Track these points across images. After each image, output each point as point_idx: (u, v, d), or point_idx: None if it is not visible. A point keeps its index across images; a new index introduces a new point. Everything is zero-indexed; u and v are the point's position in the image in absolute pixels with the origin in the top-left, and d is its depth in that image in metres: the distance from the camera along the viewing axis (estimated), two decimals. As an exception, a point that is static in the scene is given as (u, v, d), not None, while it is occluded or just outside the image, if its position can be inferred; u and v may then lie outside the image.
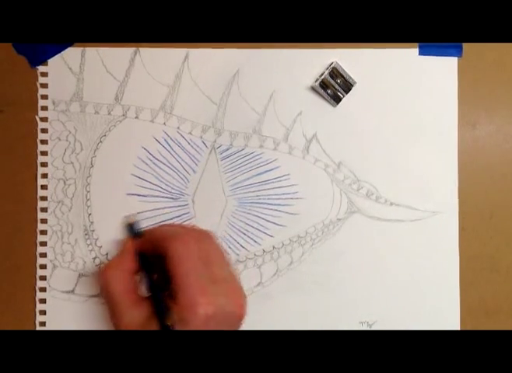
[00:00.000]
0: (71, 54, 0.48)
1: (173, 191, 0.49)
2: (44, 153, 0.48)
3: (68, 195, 0.48)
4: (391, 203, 0.49)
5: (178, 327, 0.37)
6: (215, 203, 0.48)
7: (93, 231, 0.48)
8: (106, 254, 0.48)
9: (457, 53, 0.49)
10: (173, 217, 0.48)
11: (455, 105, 0.49)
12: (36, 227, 0.48)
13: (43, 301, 0.48)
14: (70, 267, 0.48)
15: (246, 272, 0.48)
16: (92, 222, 0.48)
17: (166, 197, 0.48)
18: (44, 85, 0.48)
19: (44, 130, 0.48)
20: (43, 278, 0.48)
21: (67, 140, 0.48)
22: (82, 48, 0.48)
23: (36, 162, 0.48)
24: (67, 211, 0.48)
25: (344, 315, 0.49)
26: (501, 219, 0.49)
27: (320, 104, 0.49)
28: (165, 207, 0.48)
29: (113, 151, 0.48)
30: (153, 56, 0.48)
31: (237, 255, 0.48)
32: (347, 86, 0.48)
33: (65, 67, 0.48)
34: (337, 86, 0.48)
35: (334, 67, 0.48)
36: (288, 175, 0.49)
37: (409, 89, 0.49)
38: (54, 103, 0.48)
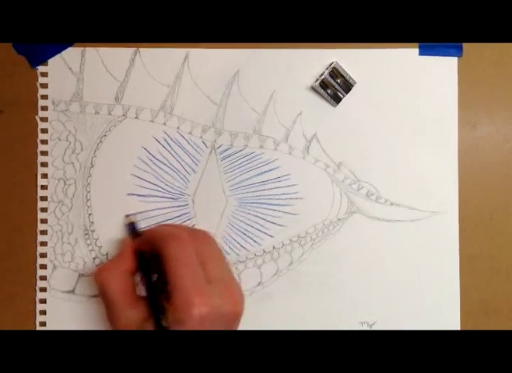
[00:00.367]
0: (71, 54, 0.48)
1: (173, 191, 0.49)
2: (44, 153, 0.48)
3: (68, 195, 0.48)
4: (391, 204, 0.49)
5: (173, 328, 0.37)
6: (215, 203, 0.48)
7: (93, 231, 0.48)
8: (106, 254, 0.48)
9: (457, 53, 0.49)
10: (173, 217, 0.48)
11: (455, 105, 0.49)
12: (37, 227, 0.48)
13: (43, 301, 0.48)
14: (70, 267, 0.48)
15: (246, 272, 0.48)
16: (92, 222, 0.48)
17: (166, 197, 0.48)
18: (44, 85, 0.48)
19: (44, 130, 0.48)
20: (43, 278, 0.48)
21: (67, 140, 0.48)
22: (82, 48, 0.48)
23: (36, 162, 0.48)
24: (67, 211, 0.48)
25: (344, 315, 0.49)
26: (501, 220, 0.49)
27: (320, 104, 0.49)
28: (165, 207, 0.48)
29: (114, 151, 0.48)
30: (153, 56, 0.48)
31: (237, 255, 0.48)
32: (347, 86, 0.48)
33: (65, 67, 0.48)
34: (337, 86, 0.48)
35: (334, 67, 0.48)
36: (288, 175, 0.49)
37: (409, 89, 0.49)
38: (54, 103, 0.48)
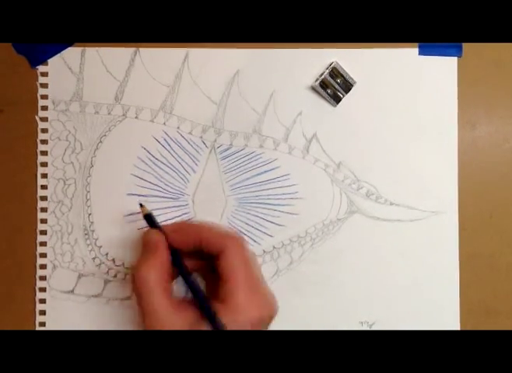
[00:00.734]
0: (71, 53, 0.48)
1: (173, 191, 0.49)
2: (44, 153, 0.48)
3: (68, 195, 0.48)
4: (391, 203, 0.49)
5: (229, 328, 0.38)
6: (215, 203, 0.48)
7: (93, 231, 0.48)
8: (106, 254, 0.48)
9: (457, 53, 0.49)
10: (173, 217, 0.48)
11: (455, 105, 0.49)
12: (36, 227, 0.48)
13: (43, 301, 0.48)
14: (70, 267, 0.48)
15: (246, 272, 0.48)
16: (92, 222, 0.48)
17: (166, 197, 0.48)
18: (44, 85, 0.48)
19: (44, 130, 0.48)
20: (43, 278, 0.48)
21: (67, 140, 0.48)
22: (82, 48, 0.48)
23: (36, 162, 0.48)
24: (67, 211, 0.48)
25: (344, 315, 0.49)
26: (501, 219, 0.49)
27: (320, 104, 0.49)
28: (165, 207, 0.48)
29: (113, 151, 0.48)
30: (153, 56, 0.48)
31: (237, 255, 0.48)
32: (347, 86, 0.48)
33: (65, 67, 0.48)
34: (337, 86, 0.48)
35: (334, 67, 0.48)
36: (288, 175, 0.49)
37: (409, 89, 0.49)
38: (54, 103, 0.48)
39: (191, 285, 0.40)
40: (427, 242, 0.49)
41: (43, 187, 0.48)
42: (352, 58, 0.48)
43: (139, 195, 0.48)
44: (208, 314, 0.38)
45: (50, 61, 0.48)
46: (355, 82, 0.48)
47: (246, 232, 0.49)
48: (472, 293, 0.49)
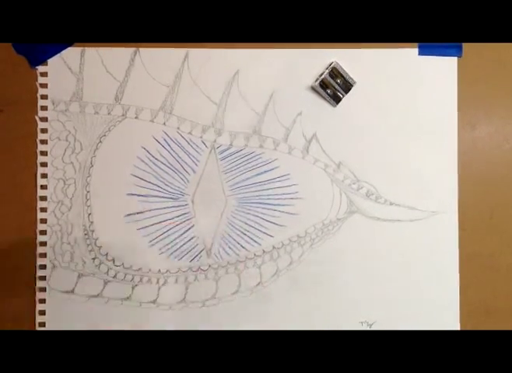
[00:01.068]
0: (71, 53, 0.48)
1: (173, 191, 0.49)
2: (44, 153, 0.48)
3: (67, 195, 0.48)
4: (391, 203, 0.49)
5: None
6: (215, 203, 0.48)
7: (93, 231, 0.48)
8: (106, 254, 0.48)
9: (457, 53, 0.49)
10: (173, 217, 0.48)
11: (455, 105, 0.49)
12: (36, 227, 0.48)
13: (42, 301, 0.48)
14: (70, 267, 0.48)
15: (246, 272, 0.48)
16: (91, 222, 0.48)
17: (166, 197, 0.48)
18: (44, 85, 0.48)
19: (44, 130, 0.48)
20: (42, 278, 0.48)
21: (67, 140, 0.48)
22: (81, 48, 0.48)
23: (36, 162, 0.48)
24: (67, 211, 0.48)
25: (344, 315, 0.49)
26: (501, 219, 0.49)
27: (320, 104, 0.49)
28: (165, 207, 0.48)
29: (113, 151, 0.48)
30: (153, 56, 0.48)
31: (237, 255, 0.48)
32: (347, 86, 0.48)
33: (65, 67, 0.48)
34: (337, 86, 0.48)
35: (334, 67, 0.48)
36: (288, 175, 0.49)
37: (409, 89, 0.49)
38: (53, 103, 0.48)
39: None
40: (427, 242, 0.49)
41: (43, 187, 0.48)
42: (352, 58, 0.48)
43: (139, 195, 0.48)
44: None
45: (50, 61, 0.48)
46: (355, 82, 0.48)
47: (246, 232, 0.49)
48: (472, 293, 0.49)
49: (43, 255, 0.48)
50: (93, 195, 0.48)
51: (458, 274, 0.49)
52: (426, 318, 0.49)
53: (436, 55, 0.49)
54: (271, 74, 0.48)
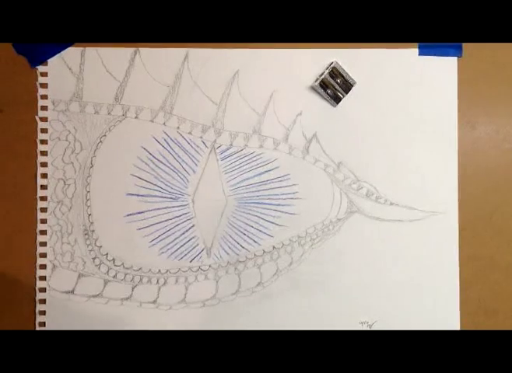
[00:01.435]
0: (71, 53, 0.48)
1: (173, 191, 0.49)
2: (44, 153, 0.48)
3: (67, 195, 0.48)
4: (391, 203, 0.49)
5: None
6: (215, 203, 0.48)
7: (93, 231, 0.48)
8: (106, 254, 0.48)
9: (457, 53, 0.49)
10: (173, 217, 0.48)
11: (455, 105, 0.49)
12: (36, 227, 0.48)
13: (43, 301, 0.48)
14: (70, 267, 0.48)
15: (246, 272, 0.48)
16: (92, 222, 0.48)
17: (166, 197, 0.48)
18: (44, 85, 0.48)
19: (44, 130, 0.48)
20: (42, 278, 0.48)
21: (67, 140, 0.48)
22: (81, 48, 0.48)
23: (36, 162, 0.48)
24: (67, 211, 0.48)
25: (344, 315, 0.49)
26: (501, 219, 0.49)
27: (320, 104, 0.49)
28: (165, 207, 0.48)
29: (113, 151, 0.48)
30: (153, 56, 0.48)
31: (237, 255, 0.48)
32: (347, 86, 0.48)
33: (65, 67, 0.48)
34: (337, 86, 0.48)
35: (334, 67, 0.48)
36: (288, 175, 0.49)
37: (409, 89, 0.49)
38: (53, 103, 0.48)
39: None
40: (427, 242, 0.49)
41: (43, 187, 0.48)
42: (352, 58, 0.48)
43: (139, 195, 0.48)
44: None
45: (50, 60, 0.48)
46: (355, 82, 0.48)
47: (246, 232, 0.49)
48: (472, 293, 0.49)
49: (43, 255, 0.48)
50: (93, 195, 0.48)
51: (458, 274, 0.49)
52: (426, 318, 0.49)
53: (436, 55, 0.49)
54: (271, 74, 0.48)
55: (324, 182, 0.49)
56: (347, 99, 0.48)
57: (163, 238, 0.48)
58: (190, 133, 0.49)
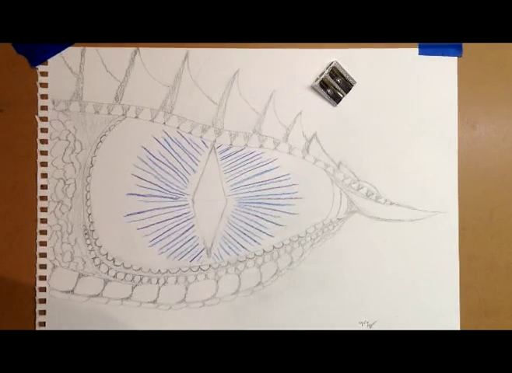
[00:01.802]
0: (71, 53, 0.48)
1: (173, 191, 0.49)
2: (44, 153, 0.48)
3: (68, 195, 0.48)
4: (391, 203, 0.49)
5: None
6: (215, 203, 0.48)
7: (93, 231, 0.48)
8: (106, 254, 0.48)
9: (457, 53, 0.49)
10: (173, 217, 0.48)
11: (455, 105, 0.49)
12: (36, 227, 0.48)
13: (43, 301, 0.48)
14: (70, 267, 0.48)
15: (246, 272, 0.48)
16: (92, 222, 0.48)
17: (166, 197, 0.48)
18: (44, 85, 0.48)
19: (44, 130, 0.48)
20: (42, 278, 0.48)
21: (67, 139, 0.48)
22: (82, 48, 0.48)
23: (36, 162, 0.48)
24: (67, 211, 0.48)
25: (344, 315, 0.49)
26: (501, 219, 0.49)
27: (320, 104, 0.49)
28: (165, 207, 0.48)
29: (113, 151, 0.48)
30: (153, 56, 0.48)
31: (237, 255, 0.48)
32: (347, 86, 0.48)
33: (65, 66, 0.48)
34: (337, 86, 0.48)
35: (334, 67, 0.48)
36: (288, 175, 0.49)
37: (409, 89, 0.49)
38: (53, 103, 0.48)
39: None
40: (427, 242, 0.49)
41: (43, 187, 0.48)
42: (352, 58, 0.48)
43: (139, 195, 0.48)
44: None
45: (50, 60, 0.48)
46: (355, 82, 0.48)
47: (246, 232, 0.49)
48: (472, 293, 0.49)
49: (43, 255, 0.48)
50: (93, 195, 0.48)
51: (458, 274, 0.49)
52: (426, 318, 0.49)
53: (436, 55, 0.49)
54: (271, 74, 0.49)
55: (324, 182, 0.49)
56: (347, 99, 0.48)
57: (163, 238, 0.48)
58: (190, 132, 0.49)
